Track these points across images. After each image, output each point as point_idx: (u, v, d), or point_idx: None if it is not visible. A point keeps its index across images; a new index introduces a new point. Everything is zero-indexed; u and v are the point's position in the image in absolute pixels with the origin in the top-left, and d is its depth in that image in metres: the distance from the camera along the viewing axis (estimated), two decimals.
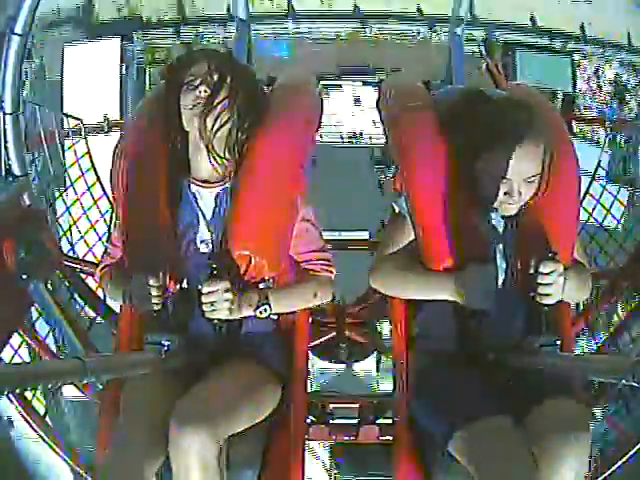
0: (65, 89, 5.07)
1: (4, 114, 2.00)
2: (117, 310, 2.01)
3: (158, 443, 1.52)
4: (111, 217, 2.35)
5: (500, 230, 1.81)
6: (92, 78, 5.02)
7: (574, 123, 4.75)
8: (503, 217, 1.78)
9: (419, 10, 5.09)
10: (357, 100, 5.23)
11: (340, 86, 5.14)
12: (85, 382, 1.27)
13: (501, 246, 1.80)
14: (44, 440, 2.06)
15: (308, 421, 2.16)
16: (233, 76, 1.70)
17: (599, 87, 5.04)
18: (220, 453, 1.49)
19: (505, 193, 1.68)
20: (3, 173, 2.09)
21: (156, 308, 1.64)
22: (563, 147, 1.82)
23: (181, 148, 1.76)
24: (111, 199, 2.40)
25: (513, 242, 1.80)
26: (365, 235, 2.43)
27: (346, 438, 2.38)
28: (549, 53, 5.16)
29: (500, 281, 1.76)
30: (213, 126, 1.68)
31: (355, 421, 2.39)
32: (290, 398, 1.83)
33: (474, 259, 1.70)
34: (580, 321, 2.20)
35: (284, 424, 1.81)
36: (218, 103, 1.67)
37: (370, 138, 5.18)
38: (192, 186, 1.77)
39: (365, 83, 5.16)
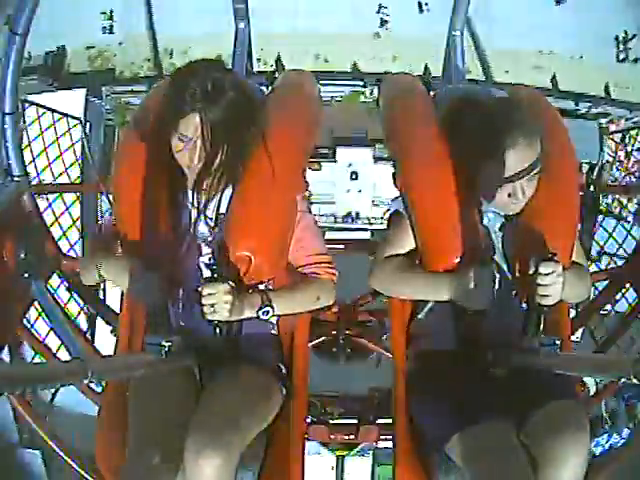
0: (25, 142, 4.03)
1: (3, 114, 1.99)
2: (117, 310, 2.01)
3: (172, 456, 1.53)
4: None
5: (499, 230, 1.82)
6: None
7: (601, 196, 3.80)
8: (506, 218, 1.78)
9: (426, 69, 4.27)
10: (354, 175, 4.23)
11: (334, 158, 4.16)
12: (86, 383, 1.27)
13: (500, 246, 1.81)
14: (45, 441, 2.06)
15: (308, 421, 2.17)
16: (229, 128, 1.60)
17: (627, 155, 4.30)
18: (236, 472, 1.51)
19: (509, 195, 1.69)
20: (2, 173, 2.09)
21: (159, 303, 1.63)
22: (562, 147, 1.83)
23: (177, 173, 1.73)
24: (111, 200, 2.40)
25: (512, 242, 1.80)
26: (366, 235, 2.42)
27: (346, 438, 2.39)
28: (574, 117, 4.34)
29: (499, 281, 1.76)
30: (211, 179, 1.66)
31: (355, 421, 2.40)
32: (290, 398, 1.83)
33: (473, 259, 1.70)
34: (579, 320, 2.20)
35: (284, 424, 1.81)
36: (213, 163, 1.63)
37: (369, 221, 4.15)
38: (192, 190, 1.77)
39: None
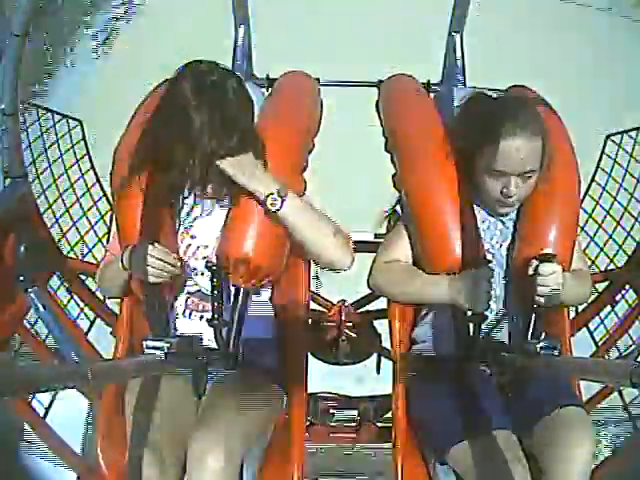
0: None
1: (3, 115, 1.99)
2: (117, 312, 2.02)
3: (173, 461, 1.55)
4: (110, 218, 2.36)
5: (499, 232, 1.82)
6: None
7: None
8: (502, 215, 1.78)
9: None
10: None
11: None
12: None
13: (500, 248, 1.81)
14: (45, 442, 2.06)
15: (307, 422, 2.17)
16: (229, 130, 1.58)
17: None
18: (240, 476, 1.54)
19: (501, 192, 1.68)
20: (2, 174, 2.09)
21: (155, 280, 1.62)
22: (562, 148, 1.82)
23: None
24: (110, 200, 2.40)
25: (511, 244, 1.80)
26: (368, 237, 2.41)
27: (346, 439, 2.39)
28: None
29: (499, 284, 1.76)
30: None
31: (355, 422, 2.40)
32: (290, 399, 1.83)
33: (472, 261, 1.70)
34: (579, 323, 2.20)
35: (284, 424, 1.81)
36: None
37: None
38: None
39: None
